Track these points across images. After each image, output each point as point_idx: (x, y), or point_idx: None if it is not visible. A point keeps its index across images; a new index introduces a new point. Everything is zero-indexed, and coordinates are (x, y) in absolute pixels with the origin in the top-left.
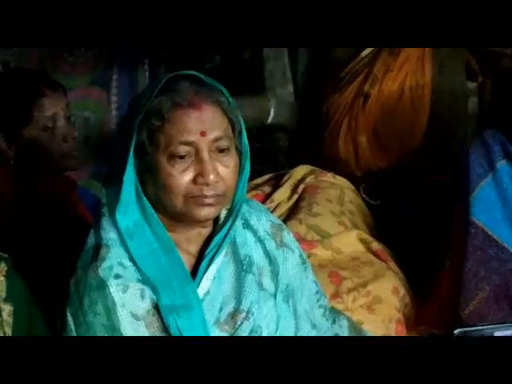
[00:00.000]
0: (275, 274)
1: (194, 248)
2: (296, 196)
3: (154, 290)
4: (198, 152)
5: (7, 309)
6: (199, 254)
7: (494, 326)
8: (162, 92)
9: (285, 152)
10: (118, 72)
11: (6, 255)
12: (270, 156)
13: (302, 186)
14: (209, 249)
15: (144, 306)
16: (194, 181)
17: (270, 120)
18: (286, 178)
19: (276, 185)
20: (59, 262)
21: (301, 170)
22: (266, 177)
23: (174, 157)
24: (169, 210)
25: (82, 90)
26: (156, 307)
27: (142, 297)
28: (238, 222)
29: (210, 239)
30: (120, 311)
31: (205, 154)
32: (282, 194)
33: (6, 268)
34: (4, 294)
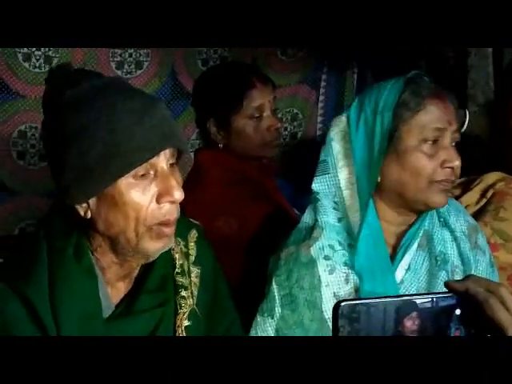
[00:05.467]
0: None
1: (394, 241)
2: (484, 200)
3: (358, 275)
4: (443, 139)
5: (195, 271)
6: (396, 247)
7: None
8: (409, 86)
9: (477, 161)
10: (327, 72)
11: (198, 223)
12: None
13: (491, 191)
14: (403, 240)
15: (347, 288)
16: (441, 165)
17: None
18: (476, 182)
19: (466, 188)
20: (248, 239)
21: (492, 176)
22: (458, 180)
23: (425, 141)
24: (410, 194)
25: (292, 87)
26: (357, 292)
27: (347, 280)
28: (435, 219)
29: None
30: (324, 290)
31: (448, 141)
32: (471, 197)
33: (197, 235)
34: (193, 258)
